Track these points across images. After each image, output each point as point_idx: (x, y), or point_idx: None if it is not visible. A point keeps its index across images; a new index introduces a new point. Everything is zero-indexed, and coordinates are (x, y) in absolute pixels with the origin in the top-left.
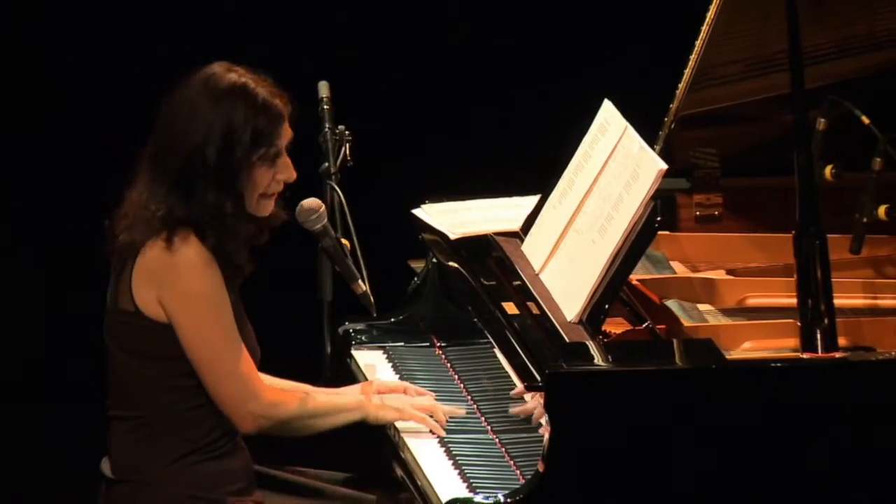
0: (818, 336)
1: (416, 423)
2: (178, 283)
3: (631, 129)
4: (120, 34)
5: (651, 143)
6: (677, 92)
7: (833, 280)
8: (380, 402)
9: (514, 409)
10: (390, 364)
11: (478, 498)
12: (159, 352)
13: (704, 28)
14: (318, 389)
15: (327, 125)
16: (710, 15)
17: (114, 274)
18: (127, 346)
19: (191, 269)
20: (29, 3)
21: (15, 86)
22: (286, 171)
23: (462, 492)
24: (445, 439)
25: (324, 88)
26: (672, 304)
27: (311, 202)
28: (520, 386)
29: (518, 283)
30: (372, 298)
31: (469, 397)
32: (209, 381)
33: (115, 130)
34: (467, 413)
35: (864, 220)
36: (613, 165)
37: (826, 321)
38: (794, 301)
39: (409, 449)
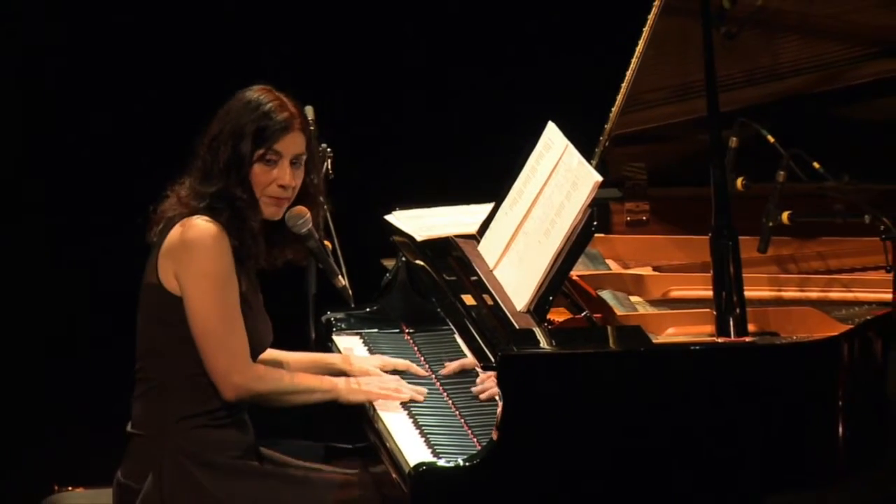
0: (731, 323)
1: (384, 401)
2: (190, 260)
3: (571, 147)
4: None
5: (588, 159)
6: (611, 115)
7: (743, 275)
8: (356, 384)
9: (475, 389)
10: (366, 347)
11: (441, 462)
12: (174, 322)
13: (634, 60)
14: (309, 355)
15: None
16: (638, 49)
17: (153, 244)
18: (150, 315)
19: (202, 248)
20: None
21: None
22: (283, 176)
23: (427, 457)
24: (413, 412)
25: (309, 112)
26: (607, 295)
27: (298, 209)
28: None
29: (475, 278)
30: (350, 291)
31: (433, 376)
32: (203, 349)
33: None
34: (430, 391)
35: (770, 224)
36: (556, 178)
37: (738, 310)
38: (710, 293)
39: (381, 420)
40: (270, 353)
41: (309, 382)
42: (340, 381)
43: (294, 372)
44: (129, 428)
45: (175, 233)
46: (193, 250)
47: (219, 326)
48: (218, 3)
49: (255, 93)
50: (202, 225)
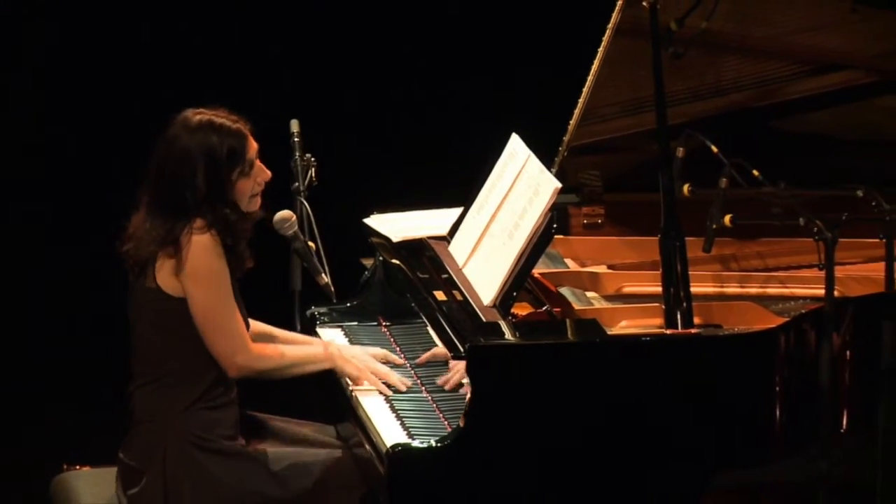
0: (678, 316)
1: (370, 385)
2: (191, 261)
3: (533, 156)
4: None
5: (548, 167)
6: (569, 127)
7: (689, 273)
8: (351, 358)
9: (441, 381)
10: (347, 339)
11: (415, 443)
12: (173, 323)
13: (590, 78)
14: (297, 336)
15: (297, 154)
16: (594, 68)
17: (132, 273)
18: (148, 317)
19: (201, 250)
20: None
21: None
22: (262, 174)
23: (403, 438)
24: (390, 398)
25: (294, 125)
26: (565, 291)
27: (284, 213)
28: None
29: (446, 275)
30: (332, 288)
31: (408, 364)
32: (207, 336)
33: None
34: (405, 378)
35: (714, 226)
36: (519, 184)
37: (684, 305)
38: (659, 289)
39: (361, 405)
40: (261, 327)
41: (305, 353)
42: (334, 350)
43: (289, 345)
44: (131, 414)
45: (170, 251)
46: (194, 254)
47: (219, 314)
48: (205, 15)
49: (196, 116)
50: (201, 233)
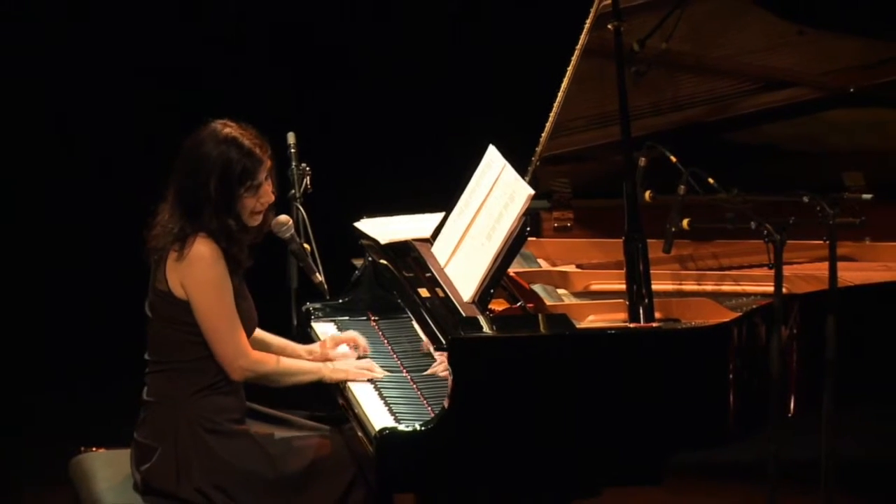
0: (641, 311)
1: (359, 380)
2: (193, 273)
3: (508, 166)
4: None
5: (522, 175)
6: (541, 139)
7: (651, 271)
8: (333, 367)
9: (429, 371)
10: (339, 332)
11: (401, 426)
12: (182, 321)
13: (560, 95)
14: (295, 345)
15: (293, 163)
16: (563, 85)
17: (152, 266)
18: (161, 315)
19: (202, 262)
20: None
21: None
22: (266, 196)
23: (390, 422)
24: (378, 385)
25: (291, 137)
26: (538, 288)
27: (281, 218)
28: (431, 347)
29: (429, 274)
30: (326, 286)
31: (395, 355)
32: (211, 342)
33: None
34: (392, 368)
35: (673, 229)
36: (496, 191)
37: (646, 301)
38: (623, 287)
39: (352, 392)
40: (258, 334)
41: (299, 365)
42: (325, 367)
43: (286, 357)
44: (144, 397)
45: (176, 254)
46: (194, 265)
47: (222, 323)
48: (194, 31)
49: (225, 129)
50: (199, 244)
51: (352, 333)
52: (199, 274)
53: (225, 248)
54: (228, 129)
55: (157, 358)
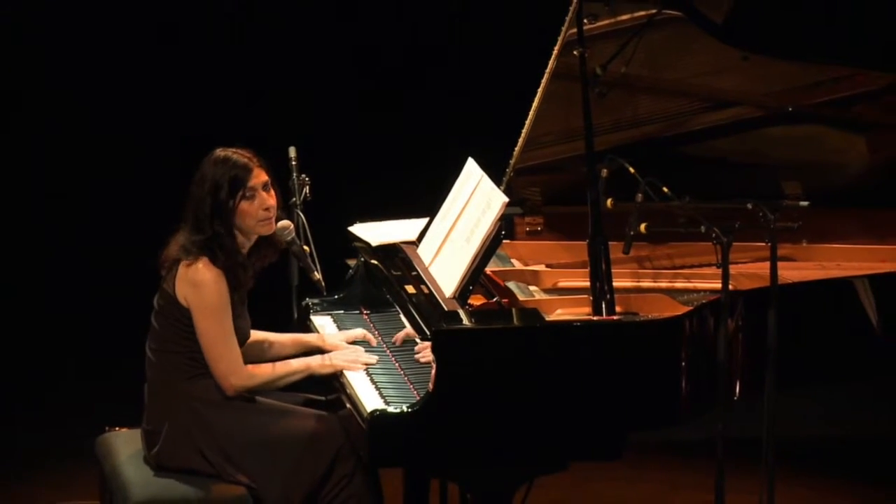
0: (603, 306)
1: (348, 369)
2: (195, 294)
3: (485, 176)
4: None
5: (498, 185)
6: (515, 152)
7: (612, 270)
8: (321, 360)
9: (417, 356)
10: (335, 324)
11: (390, 408)
12: (182, 321)
13: (531, 113)
14: (290, 335)
15: (294, 174)
16: (534, 105)
17: (164, 273)
18: (164, 311)
19: (206, 289)
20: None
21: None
22: (266, 201)
23: (380, 404)
24: (370, 371)
25: (292, 151)
26: (512, 285)
27: (283, 223)
28: (416, 337)
29: (415, 273)
30: (323, 283)
31: (385, 345)
32: (208, 358)
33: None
34: (382, 356)
35: (632, 232)
36: (475, 199)
37: (608, 296)
38: (588, 284)
39: (346, 378)
40: (259, 335)
41: (288, 368)
42: (313, 361)
43: (275, 363)
44: (146, 386)
45: (183, 270)
46: (198, 290)
47: (219, 344)
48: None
49: (219, 152)
50: (203, 269)
51: (360, 331)
52: (200, 299)
53: (225, 267)
54: (223, 151)
55: (156, 346)
